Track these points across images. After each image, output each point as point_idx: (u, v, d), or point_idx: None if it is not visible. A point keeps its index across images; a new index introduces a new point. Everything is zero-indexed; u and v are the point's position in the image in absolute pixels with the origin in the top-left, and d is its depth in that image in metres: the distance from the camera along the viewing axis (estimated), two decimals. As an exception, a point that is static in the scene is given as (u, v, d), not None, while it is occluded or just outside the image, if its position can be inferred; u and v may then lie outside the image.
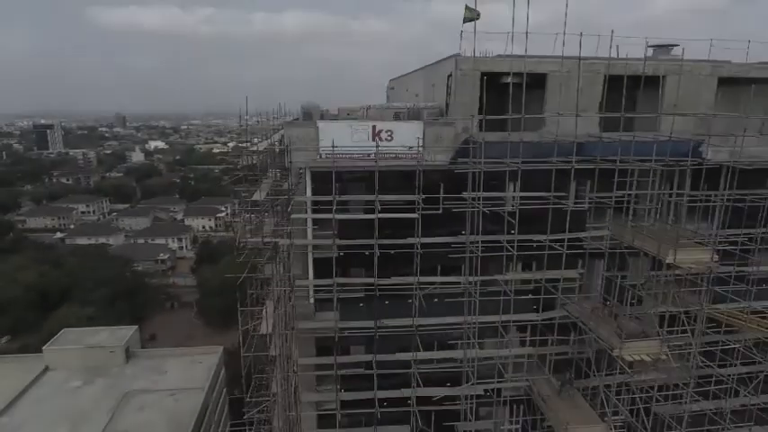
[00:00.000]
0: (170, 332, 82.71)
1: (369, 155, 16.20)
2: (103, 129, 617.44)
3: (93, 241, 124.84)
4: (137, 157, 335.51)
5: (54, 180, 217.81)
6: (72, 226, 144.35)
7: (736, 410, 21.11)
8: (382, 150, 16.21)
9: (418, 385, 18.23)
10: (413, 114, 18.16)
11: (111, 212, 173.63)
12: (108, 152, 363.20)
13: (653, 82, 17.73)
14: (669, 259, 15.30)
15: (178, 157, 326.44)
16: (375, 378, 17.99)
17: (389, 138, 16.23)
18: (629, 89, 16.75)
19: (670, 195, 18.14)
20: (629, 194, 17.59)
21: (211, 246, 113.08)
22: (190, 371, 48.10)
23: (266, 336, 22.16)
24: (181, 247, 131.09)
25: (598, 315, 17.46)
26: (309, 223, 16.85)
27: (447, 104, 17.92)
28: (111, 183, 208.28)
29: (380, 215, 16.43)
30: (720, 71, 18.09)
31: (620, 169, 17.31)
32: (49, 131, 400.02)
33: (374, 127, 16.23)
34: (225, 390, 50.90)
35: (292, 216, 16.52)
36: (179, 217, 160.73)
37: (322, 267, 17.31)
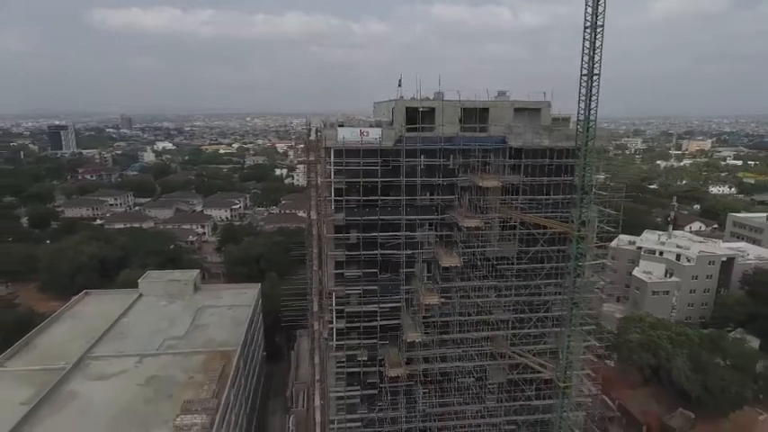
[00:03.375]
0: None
1: (358, 142, 37.93)
2: (110, 130, 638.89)
3: (128, 226, 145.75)
4: (148, 157, 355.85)
5: (80, 177, 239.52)
6: (108, 214, 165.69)
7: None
8: (364, 140, 37.95)
9: (382, 249, 40.01)
10: (377, 124, 39.89)
11: (135, 205, 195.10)
12: (119, 152, 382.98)
13: (485, 110, 39.59)
14: (480, 183, 37.13)
15: (187, 158, 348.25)
16: (361, 244, 39.76)
17: (367, 134, 38.01)
18: (477, 113, 38.61)
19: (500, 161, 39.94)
20: (478, 160, 39.38)
21: (234, 228, 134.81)
22: (239, 297, 69.89)
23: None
24: (204, 233, 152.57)
25: (462, 214, 39.20)
26: (332, 171, 38.57)
27: (392, 120, 39.62)
28: (132, 179, 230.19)
29: (363, 168, 38.18)
30: (514, 105, 39.95)
31: (472, 149, 39.19)
32: (62, 132, 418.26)
33: (360, 130, 38.02)
34: (261, 314, 72.48)
35: (327, 167, 38.33)
36: (198, 209, 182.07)
37: (337, 192, 39.08)
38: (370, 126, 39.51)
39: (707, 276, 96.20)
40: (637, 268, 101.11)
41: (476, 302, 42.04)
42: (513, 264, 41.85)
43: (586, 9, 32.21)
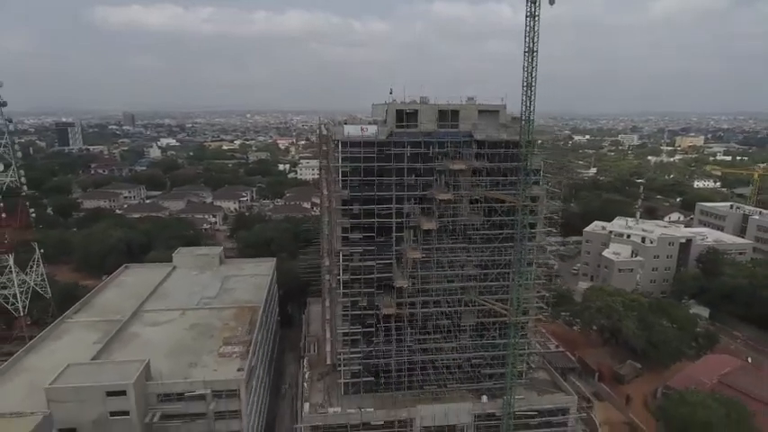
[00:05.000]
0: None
1: (359, 136, 50.20)
2: (113, 127, 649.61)
3: (146, 216, 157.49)
4: (154, 153, 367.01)
5: (93, 171, 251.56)
6: (125, 206, 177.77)
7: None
8: (364, 134, 50.22)
9: (378, 218, 52.35)
10: (374, 122, 52.17)
11: (147, 197, 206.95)
12: (125, 149, 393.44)
13: (456, 111, 51.94)
14: (452, 167, 49.42)
15: (191, 153, 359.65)
16: (361, 214, 52.10)
17: (366, 130, 50.32)
18: (450, 114, 50.96)
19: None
20: (451, 149, 51.67)
21: (245, 217, 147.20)
22: (258, 268, 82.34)
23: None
24: (215, 222, 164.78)
25: (439, 191, 51.47)
26: (340, 158, 50.83)
27: (386, 119, 51.88)
28: (143, 174, 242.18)
29: (363, 155, 50.48)
30: (479, 107, 52.27)
31: (446, 141, 51.52)
32: (69, 129, 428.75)
33: (361, 127, 50.34)
34: (276, 284, 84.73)
35: (335, 154, 50.63)
36: (208, 201, 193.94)
37: (343, 174, 51.37)
38: (369, 124, 51.81)
39: (667, 256, 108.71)
40: (606, 250, 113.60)
41: (450, 260, 54.39)
42: (478, 230, 54.24)
43: (525, 39, 44.43)
